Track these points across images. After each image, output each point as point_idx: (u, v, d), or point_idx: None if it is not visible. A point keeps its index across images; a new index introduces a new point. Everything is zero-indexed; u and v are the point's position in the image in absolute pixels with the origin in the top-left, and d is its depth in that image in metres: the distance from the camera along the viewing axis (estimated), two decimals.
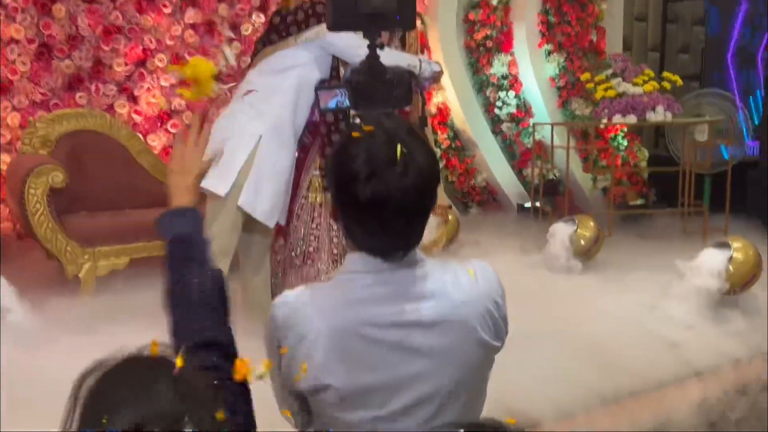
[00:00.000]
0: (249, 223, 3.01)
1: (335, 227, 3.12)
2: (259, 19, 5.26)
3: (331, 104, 1.78)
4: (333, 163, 1.25)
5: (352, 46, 2.85)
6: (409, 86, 1.84)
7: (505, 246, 4.84)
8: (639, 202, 5.99)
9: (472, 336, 1.24)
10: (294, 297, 1.29)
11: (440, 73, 3.04)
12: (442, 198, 3.36)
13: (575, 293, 3.76)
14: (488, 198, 6.09)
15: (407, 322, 1.22)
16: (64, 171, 3.74)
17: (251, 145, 2.90)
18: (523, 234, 5.03)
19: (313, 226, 3.13)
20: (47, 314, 3.40)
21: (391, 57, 2.95)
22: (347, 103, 1.80)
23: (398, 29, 1.94)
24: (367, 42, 2.88)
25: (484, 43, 5.96)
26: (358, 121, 1.31)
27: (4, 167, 4.46)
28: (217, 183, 2.89)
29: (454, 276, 1.28)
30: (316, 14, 2.89)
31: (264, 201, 2.94)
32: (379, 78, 1.81)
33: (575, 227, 4.36)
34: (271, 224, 3.02)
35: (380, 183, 1.18)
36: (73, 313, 3.49)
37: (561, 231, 4.32)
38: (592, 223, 4.40)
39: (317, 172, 3.15)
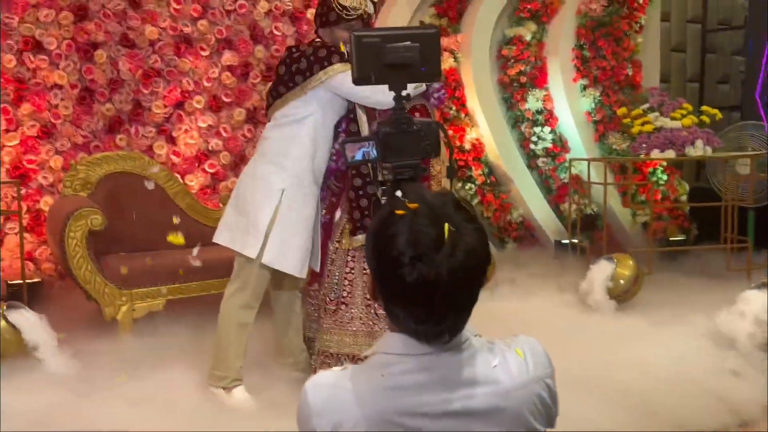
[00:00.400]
0: (278, 272, 3.02)
1: (367, 270, 3.11)
2: None
3: (358, 156, 1.76)
4: (374, 241, 1.17)
5: (360, 88, 2.84)
6: (437, 137, 1.82)
7: (541, 284, 4.78)
8: (680, 237, 5.86)
9: (523, 426, 1.17)
10: (329, 380, 1.20)
11: (442, 88, 3.07)
12: None
13: (613, 335, 3.67)
14: (525, 234, 6.02)
15: (454, 412, 1.14)
16: (103, 214, 3.80)
17: (275, 201, 2.92)
18: (561, 271, 4.96)
19: (347, 270, 3.13)
20: (86, 356, 3.45)
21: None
22: (375, 154, 1.76)
23: (424, 81, 1.93)
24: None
25: (518, 78, 5.95)
26: (399, 194, 1.22)
27: (46, 209, 4.56)
28: (245, 244, 2.93)
29: (502, 358, 1.19)
30: (319, 59, 2.90)
31: (292, 254, 2.95)
32: (407, 129, 1.79)
33: (614, 266, 4.28)
34: (302, 275, 3.03)
35: (427, 266, 1.09)
36: (112, 355, 3.54)
37: (599, 270, 4.25)
38: (631, 262, 4.32)
39: (344, 219, 3.14)
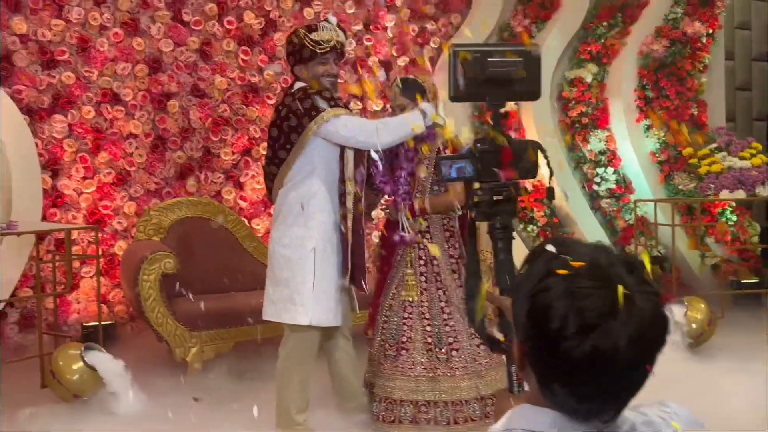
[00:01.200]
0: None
1: (427, 316, 3.12)
2: (357, 106, 5.46)
3: (453, 173, 1.69)
4: (529, 307, 0.98)
5: (351, 131, 2.88)
6: (535, 157, 1.73)
7: None
8: (753, 280, 5.67)
9: None
10: None
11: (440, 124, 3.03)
12: None
13: (687, 382, 3.54)
14: None
15: None
16: (176, 258, 3.92)
17: (310, 263, 2.94)
18: None
19: (406, 316, 3.15)
20: (158, 396, 3.53)
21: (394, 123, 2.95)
22: (470, 172, 1.69)
23: (522, 99, 1.87)
24: (363, 120, 2.91)
25: (579, 119, 5.94)
26: (551, 248, 1.02)
27: (120, 253, 4.74)
28: (294, 315, 2.96)
29: None
30: (307, 111, 2.88)
31: (334, 306, 2.99)
32: (503, 148, 1.71)
33: (685, 309, 4.17)
34: (346, 323, 3.09)
35: (601, 337, 0.92)
36: (182, 395, 3.61)
37: (670, 313, 4.14)
38: (703, 305, 4.20)
39: (410, 270, 3.17)
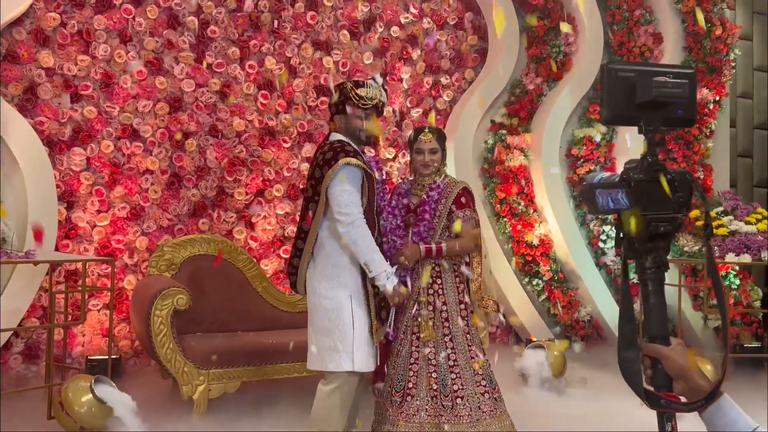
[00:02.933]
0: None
1: (433, 362, 3.15)
2: (370, 153, 5.55)
3: (610, 204, 1.57)
4: None
5: (335, 199, 2.93)
6: (690, 190, 1.61)
7: (615, 385, 4.67)
8: (755, 344, 5.70)
9: None
10: None
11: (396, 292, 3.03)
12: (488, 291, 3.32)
13: None
14: (592, 332, 5.95)
15: None
16: (188, 294, 3.94)
17: (348, 311, 2.99)
18: None
19: (411, 361, 3.17)
20: None
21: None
22: (625, 203, 1.56)
23: (677, 126, 1.75)
24: (355, 205, 2.90)
25: (586, 178, 6.03)
26: None
27: (129, 287, 4.75)
28: (339, 363, 2.99)
29: None
30: (327, 161, 2.97)
31: (372, 350, 3.05)
32: (659, 178, 1.58)
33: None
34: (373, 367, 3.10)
35: None
36: None
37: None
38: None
39: (425, 312, 3.20)
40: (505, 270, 5.87)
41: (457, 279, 3.27)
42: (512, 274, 5.90)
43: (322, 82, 5.44)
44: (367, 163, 3.06)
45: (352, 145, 3.06)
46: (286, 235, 5.26)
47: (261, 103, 5.22)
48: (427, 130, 3.28)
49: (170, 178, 4.97)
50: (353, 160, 2.94)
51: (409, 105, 5.83)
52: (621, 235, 1.52)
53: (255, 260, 4.91)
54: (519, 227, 5.91)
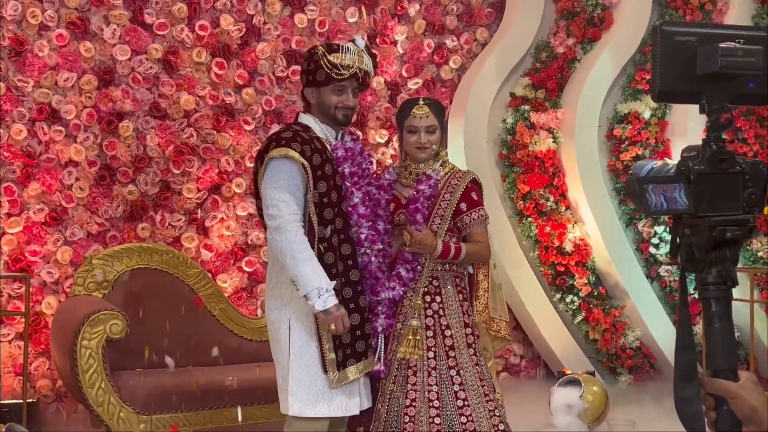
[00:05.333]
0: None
1: (436, 404, 3.17)
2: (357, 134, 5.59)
3: (664, 204, 1.53)
4: None
5: (263, 200, 3.07)
6: (765, 185, 1.59)
7: (670, 430, 4.72)
8: None
9: None
10: None
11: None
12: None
13: None
14: (643, 362, 6.00)
15: None
16: (124, 319, 3.98)
17: (285, 336, 3.11)
18: None
19: (407, 403, 3.19)
20: None
21: None
22: (683, 201, 1.53)
23: (746, 103, 1.69)
24: (286, 205, 2.97)
25: (633, 168, 6.08)
26: None
27: (48, 312, 4.78)
28: (282, 401, 3.13)
29: None
30: (260, 153, 3.12)
31: (319, 392, 3.09)
32: (727, 169, 1.56)
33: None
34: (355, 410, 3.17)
35: None
36: None
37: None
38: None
39: (415, 322, 3.22)
40: (531, 284, 5.92)
41: (461, 296, 3.30)
42: (539, 289, 5.94)
43: (294, 46, 5.48)
44: (324, 153, 3.10)
45: (312, 129, 3.15)
46: (249, 242, 5.30)
47: (215, 74, 5.26)
48: (421, 101, 3.32)
49: (100, 171, 5.00)
50: (287, 152, 3.00)
51: (405, 74, 5.88)
52: (677, 241, 1.52)
53: (210, 275, 4.96)
54: (548, 229, 5.96)
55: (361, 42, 3.20)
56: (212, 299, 4.71)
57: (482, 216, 3.30)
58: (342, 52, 3.11)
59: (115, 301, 4.35)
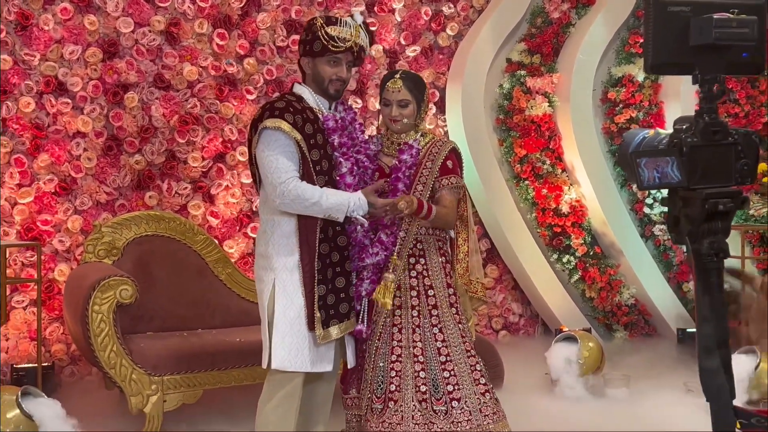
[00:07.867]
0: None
1: (421, 359, 3.22)
2: (356, 104, 5.60)
3: (656, 178, 1.52)
4: None
5: (261, 168, 3.14)
6: (757, 155, 1.59)
7: (663, 384, 4.78)
8: None
9: None
10: None
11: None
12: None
13: None
14: (638, 319, 6.05)
15: None
16: (134, 284, 4.02)
17: (268, 296, 3.22)
18: (687, 368, 4.94)
19: (393, 359, 3.24)
20: None
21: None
22: (676, 176, 1.50)
23: (742, 73, 1.65)
24: (284, 166, 3.05)
25: (627, 126, 6.09)
26: None
27: (60, 279, 4.83)
28: (264, 356, 3.25)
29: None
30: (254, 122, 3.19)
31: (302, 347, 3.18)
32: (720, 141, 1.55)
33: (757, 361, 4.28)
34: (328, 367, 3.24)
35: None
36: None
37: (737, 366, 4.25)
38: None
39: (390, 276, 3.23)
40: (529, 245, 5.95)
41: (443, 258, 3.35)
42: (537, 249, 5.98)
43: (294, 16, 5.47)
44: (316, 123, 3.16)
45: (305, 100, 3.20)
46: (254, 209, 5.33)
47: (217, 44, 5.26)
48: (397, 76, 3.31)
49: (107, 141, 5.02)
50: (280, 123, 3.05)
51: (403, 42, 5.86)
52: (675, 215, 1.54)
53: (216, 241, 5.00)
54: (544, 192, 5.98)
55: (359, 17, 3.23)
56: (219, 264, 4.75)
57: (453, 183, 3.31)
58: (340, 26, 3.14)
59: (124, 267, 4.38)
